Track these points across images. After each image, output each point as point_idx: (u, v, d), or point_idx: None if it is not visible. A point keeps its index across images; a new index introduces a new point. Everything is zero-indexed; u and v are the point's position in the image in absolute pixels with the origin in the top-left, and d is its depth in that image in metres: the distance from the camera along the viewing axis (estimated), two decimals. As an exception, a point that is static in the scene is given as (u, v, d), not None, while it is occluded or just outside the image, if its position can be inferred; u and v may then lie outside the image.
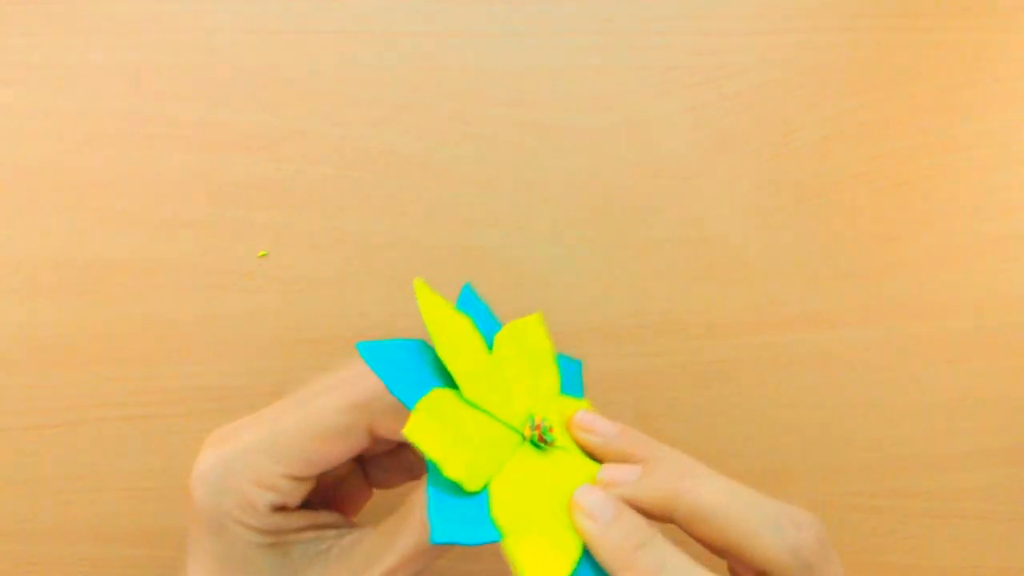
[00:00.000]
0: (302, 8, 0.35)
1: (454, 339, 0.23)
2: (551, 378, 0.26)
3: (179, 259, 0.33)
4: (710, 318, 0.34)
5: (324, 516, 0.25)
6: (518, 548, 0.21)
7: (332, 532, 0.24)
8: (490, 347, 0.25)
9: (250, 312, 0.33)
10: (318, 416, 0.23)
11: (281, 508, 0.23)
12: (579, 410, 0.25)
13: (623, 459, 0.23)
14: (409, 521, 0.23)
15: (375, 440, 0.24)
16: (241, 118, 0.34)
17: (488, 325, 0.26)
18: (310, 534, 0.24)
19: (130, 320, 0.33)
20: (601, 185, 0.35)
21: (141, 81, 0.34)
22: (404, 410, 0.22)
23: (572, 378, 0.27)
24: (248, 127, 0.34)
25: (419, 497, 0.23)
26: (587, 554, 0.22)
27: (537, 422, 0.24)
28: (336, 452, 0.23)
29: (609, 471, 0.23)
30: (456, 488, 0.21)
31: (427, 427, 0.21)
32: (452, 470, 0.21)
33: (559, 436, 0.24)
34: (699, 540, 0.22)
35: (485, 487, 0.22)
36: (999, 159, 0.35)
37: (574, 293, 0.34)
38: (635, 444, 0.24)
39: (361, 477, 0.28)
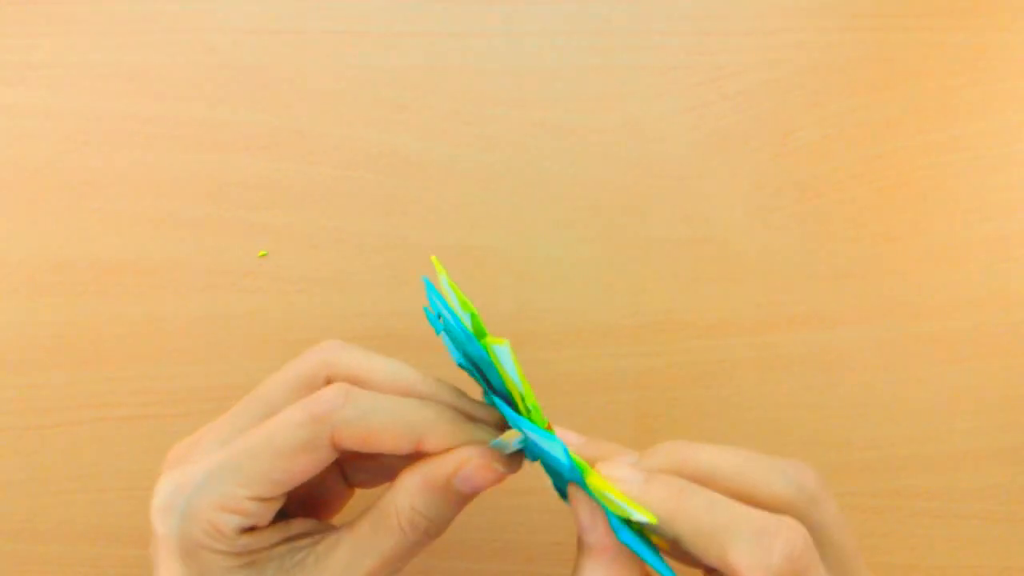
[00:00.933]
0: (302, 8, 0.35)
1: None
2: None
3: (179, 259, 0.33)
4: (710, 318, 0.34)
5: (297, 525, 0.24)
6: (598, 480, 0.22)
7: (306, 540, 0.23)
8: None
9: (250, 312, 0.33)
10: (279, 433, 0.22)
11: (251, 529, 0.23)
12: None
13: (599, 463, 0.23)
14: (387, 523, 0.23)
15: (339, 452, 0.23)
16: (241, 118, 0.34)
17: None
18: (283, 548, 0.23)
19: (130, 320, 0.33)
20: (601, 185, 0.35)
21: (141, 81, 0.34)
22: (363, 420, 0.22)
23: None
24: (248, 127, 0.34)
25: (392, 497, 0.23)
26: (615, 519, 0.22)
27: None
28: (300, 469, 0.22)
29: (606, 467, 0.22)
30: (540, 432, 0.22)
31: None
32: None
33: None
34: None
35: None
36: (999, 159, 0.35)
37: (574, 293, 0.34)
38: (606, 449, 0.24)
39: (339, 478, 0.27)
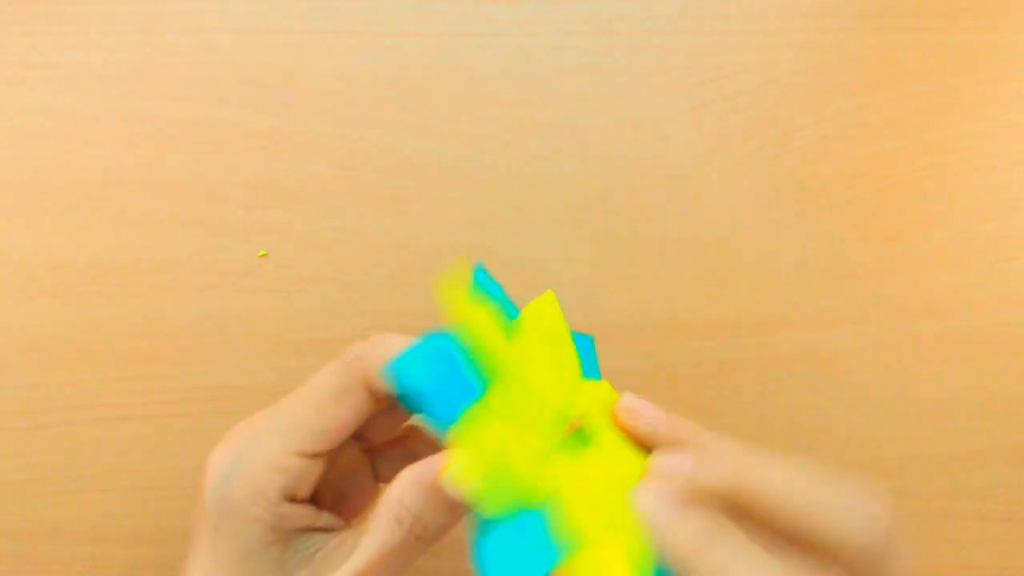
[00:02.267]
0: (302, 8, 0.35)
1: (486, 343, 0.22)
2: (572, 361, 0.24)
3: (179, 259, 0.33)
4: (710, 318, 0.34)
5: (325, 518, 0.25)
6: (589, 563, 0.20)
7: (325, 535, 0.24)
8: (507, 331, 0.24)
9: (250, 312, 0.33)
10: (316, 386, 0.24)
11: (292, 498, 0.23)
12: (623, 395, 0.23)
13: (671, 445, 0.22)
14: (378, 519, 0.23)
15: (376, 398, 0.24)
16: (241, 118, 0.34)
17: (503, 307, 0.24)
18: (307, 536, 0.24)
19: (130, 320, 0.33)
20: (601, 185, 0.35)
21: (141, 81, 0.34)
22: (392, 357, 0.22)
23: (587, 356, 0.25)
24: (248, 127, 0.34)
25: (387, 491, 0.23)
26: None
27: (573, 421, 0.23)
28: (341, 415, 0.23)
29: (662, 461, 0.21)
30: (506, 516, 0.20)
31: (466, 473, 0.20)
32: (499, 501, 0.20)
33: (595, 427, 0.23)
34: (767, 524, 0.20)
35: (535, 507, 0.21)
36: (999, 159, 0.35)
37: (574, 293, 0.34)
38: (682, 430, 0.22)
39: (369, 473, 0.28)
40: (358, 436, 0.27)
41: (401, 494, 0.23)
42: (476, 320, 0.23)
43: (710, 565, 0.19)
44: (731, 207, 0.35)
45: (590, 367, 0.25)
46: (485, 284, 0.24)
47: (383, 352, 0.23)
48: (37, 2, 0.34)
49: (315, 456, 0.24)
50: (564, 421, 0.23)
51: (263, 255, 0.34)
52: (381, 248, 0.34)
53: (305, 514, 0.24)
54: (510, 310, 0.24)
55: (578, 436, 0.23)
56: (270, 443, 0.23)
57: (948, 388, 0.35)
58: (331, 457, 0.26)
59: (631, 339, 0.34)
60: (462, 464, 0.21)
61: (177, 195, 0.34)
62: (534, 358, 0.23)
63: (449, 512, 0.23)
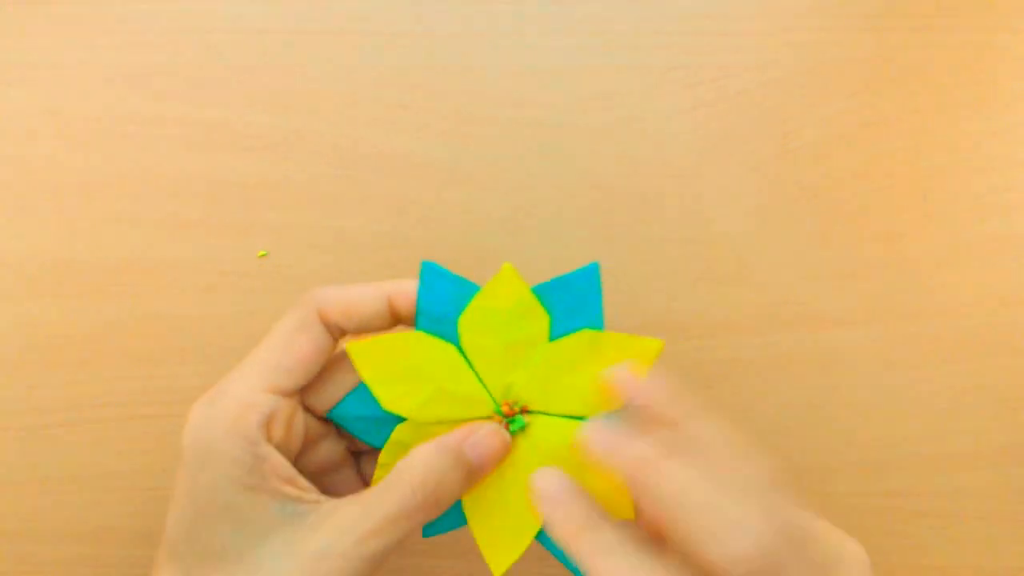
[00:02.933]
0: (302, 8, 0.35)
1: (396, 387, 0.25)
2: (535, 329, 0.25)
3: (179, 259, 0.33)
4: (710, 318, 0.34)
5: (306, 482, 0.25)
6: (477, 529, 0.25)
7: (313, 496, 0.24)
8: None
9: (250, 312, 0.33)
10: (276, 328, 0.25)
11: (268, 439, 0.24)
12: (615, 369, 0.24)
13: (656, 422, 0.23)
14: (396, 483, 0.23)
15: (335, 329, 0.25)
16: (241, 118, 0.34)
17: (459, 292, 0.26)
18: (290, 490, 0.24)
19: (130, 320, 0.33)
20: (601, 185, 0.35)
21: (141, 81, 0.34)
22: (342, 291, 0.25)
23: (578, 299, 0.25)
24: (248, 127, 0.34)
25: (407, 462, 0.24)
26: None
27: (506, 410, 0.26)
28: (302, 352, 0.25)
29: (588, 429, 0.23)
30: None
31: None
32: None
33: (544, 400, 0.26)
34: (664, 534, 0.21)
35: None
36: (999, 159, 0.35)
37: (574, 293, 0.34)
38: (670, 405, 0.23)
39: (354, 471, 0.28)
40: (342, 434, 0.28)
41: (423, 459, 0.24)
42: (392, 382, 0.25)
43: (584, 547, 0.21)
44: (731, 207, 0.35)
45: (580, 313, 0.25)
46: (434, 284, 0.26)
47: (332, 289, 0.25)
48: (37, 2, 0.34)
49: (286, 394, 0.25)
50: (500, 409, 0.26)
51: (263, 255, 0.34)
52: (381, 248, 0.34)
53: (284, 465, 0.24)
54: (470, 292, 0.26)
55: (515, 427, 0.26)
56: (240, 384, 0.24)
57: (948, 388, 0.35)
58: (312, 448, 0.27)
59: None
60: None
61: (177, 195, 0.34)
62: (479, 352, 0.26)
63: (466, 481, 0.24)
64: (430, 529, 0.26)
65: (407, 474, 0.23)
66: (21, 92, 0.34)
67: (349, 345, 0.25)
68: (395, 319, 0.26)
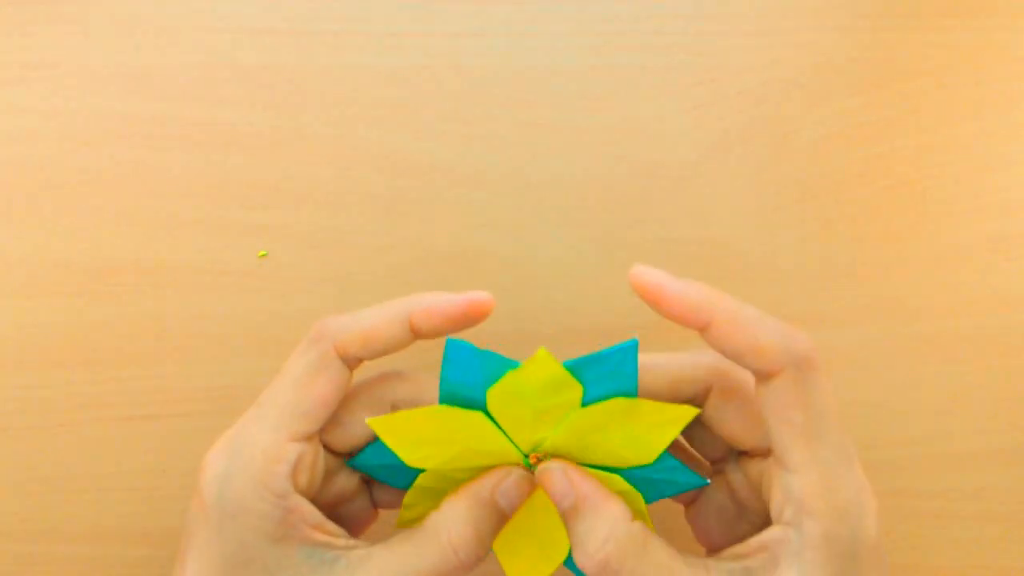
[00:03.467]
0: (302, 8, 0.35)
1: (421, 451, 0.25)
2: (567, 397, 0.25)
3: (179, 259, 0.33)
4: (710, 318, 0.34)
5: (334, 526, 0.24)
6: (504, 557, 0.25)
7: (341, 542, 0.24)
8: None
9: (250, 312, 0.33)
10: (289, 369, 0.24)
11: (296, 488, 0.23)
12: (635, 267, 0.24)
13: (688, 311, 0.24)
14: (434, 541, 0.23)
15: (352, 361, 0.25)
16: (241, 118, 0.34)
17: (485, 365, 0.25)
18: (319, 536, 0.23)
19: (130, 320, 0.33)
20: (601, 185, 0.35)
21: (141, 81, 0.34)
22: (356, 322, 0.25)
23: (614, 372, 0.25)
24: (248, 127, 0.34)
25: (442, 517, 0.23)
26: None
27: (533, 460, 0.25)
28: (321, 393, 0.24)
29: (642, 272, 0.24)
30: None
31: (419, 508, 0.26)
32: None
33: (574, 454, 0.25)
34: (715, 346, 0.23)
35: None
36: (999, 159, 0.35)
37: (574, 293, 0.34)
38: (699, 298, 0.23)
39: (367, 498, 0.28)
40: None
41: (460, 515, 0.23)
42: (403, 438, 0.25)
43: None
44: (731, 207, 0.35)
45: (613, 382, 0.25)
46: (459, 361, 0.25)
47: (345, 319, 0.24)
48: (37, 2, 0.34)
49: (307, 439, 0.24)
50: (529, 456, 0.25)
51: (263, 255, 0.34)
52: (381, 248, 0.34)
53: (312, 512, 0.24)
54: (497, 365, 0.25)
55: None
56: (262, 435, 0.23)
57: (948, 388, 0.35)
58: (329, 482, 0.26)
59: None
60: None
61: (177, 195, 0.34)
62: (508, 422, 0.25)
63: (497, 528, 0.24)
64: None
65: (445, 532, 0.23)
66: (21, 92, 0.34)
67: (371, 421, 0.24)
68: (416, 337, 0.25)
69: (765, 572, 0.22)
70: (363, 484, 0.28)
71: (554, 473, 0.24)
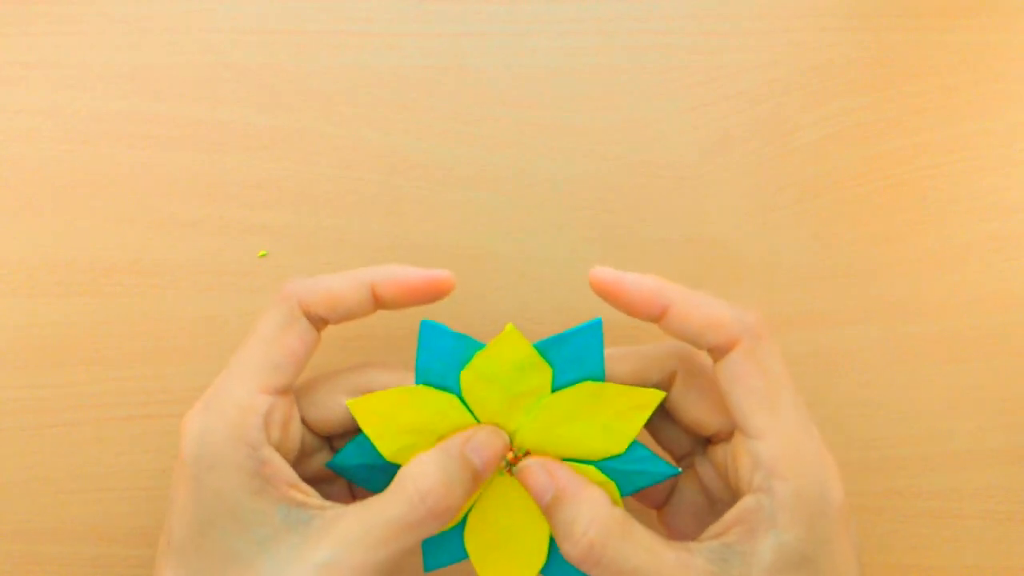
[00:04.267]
0: (302, 8, 0.35)
1: (399, 439, 0.26)
2: (537, 381, 0.26)
3: (179, 259, 0.33)
4: (710, 318, 0.34)
5: (309, 487, 0.25)
6: (479, 563, 0.26)
7: (316, 501, 0.24)
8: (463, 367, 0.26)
9: (250, 312, 0.33)
10: (258, 327, 0.25)
11: (269, 439, 0.24)
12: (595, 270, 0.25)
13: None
14: (399, 493, 0.23)
15: (318, 322, 0.26)
16: (241, 118, 0.34)
17: (459, 347, 0.26)
18: (295, 495, 0.24)
19: (130, 320, 0.33)
20: (601, 185, 0.35)
21: (141, 81, 0.34)
22: (322, 282, 0.25)
23: (580, 353, 0.26)
24: (248, 127, 0.34)
25: (409, 469, 0.24)
26: (552, 555, 0.26)
27: (510, 457, 0.26)
28: (290, 347, 0.25)
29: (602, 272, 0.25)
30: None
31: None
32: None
33: (548, 446, 0.26)
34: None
35: (464, 517, 0.26)
36: (999, 159, 0.35)
37: (574, 293, 0.34)
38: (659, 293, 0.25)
39: (345, 488, 0.29)
40: (336, 448, 0.28)
41: (424, 467, 0.23)
42: (383, 425, 0.26)
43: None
44: (731, 207, 0.35)
45: (581, 365, 0.26)
46: (433, 341, 0.26)
47: (311, 281, 0.25)
48: (37, 2, 0.34)
49: (280, 392, 0.25)
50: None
51: (263, 255, 0.34)
52: (381, 248, 0.34)
53: (287, 470, 0.24)
54: (471, 348, 0.26)
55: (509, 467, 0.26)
56: (234, 389, 0.24)
57: (948, 388, 0.35)
58: (309, 458, 0.27)
59: (631, 339, 0.34)
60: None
61: (177, 195, 0.34)
62: (480, 404, 0.26)
63: (469, 485, 0.24)
64: (432, 562, 0.27)
65: (412, 482, 0.23)
66: (21, 92, 0.34)
67: (350, 402, 0.25)
68: (378, 306, 0.26)
69: (743, 544, 0.22)
70: (343, 481, 0.28)
71: (533, 468, 0.25)
